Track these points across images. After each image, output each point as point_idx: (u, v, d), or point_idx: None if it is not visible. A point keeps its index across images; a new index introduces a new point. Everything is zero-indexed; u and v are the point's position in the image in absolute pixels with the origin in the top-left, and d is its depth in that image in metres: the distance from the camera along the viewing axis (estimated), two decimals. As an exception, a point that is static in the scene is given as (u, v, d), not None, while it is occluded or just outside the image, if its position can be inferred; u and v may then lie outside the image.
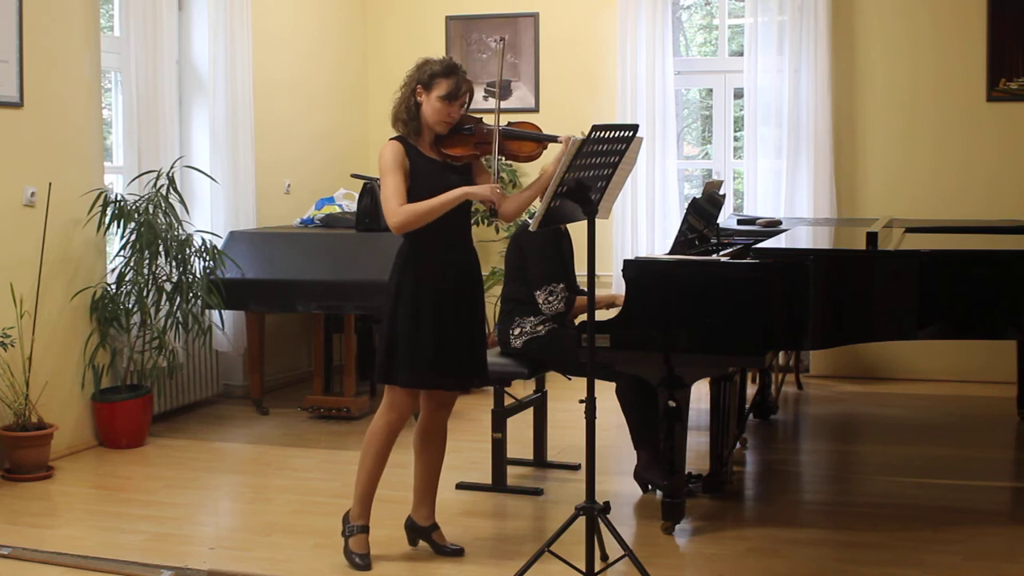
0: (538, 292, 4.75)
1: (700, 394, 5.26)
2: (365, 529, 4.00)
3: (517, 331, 4.84)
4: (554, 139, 4.01)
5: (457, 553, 4.09)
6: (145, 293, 5.63)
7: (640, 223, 7.45)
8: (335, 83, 7.66)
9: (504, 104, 7.78)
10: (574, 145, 3.41)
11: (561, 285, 4.74)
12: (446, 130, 3.90)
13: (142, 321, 5.65)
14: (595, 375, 3.66)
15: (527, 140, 3.99)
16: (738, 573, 3.93)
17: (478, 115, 4.03)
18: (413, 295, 3.87)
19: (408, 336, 3.86)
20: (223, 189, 6.47)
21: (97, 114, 5.69)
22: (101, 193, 5.55)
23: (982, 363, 7.00)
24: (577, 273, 5.04)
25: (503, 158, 3.99)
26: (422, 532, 4.14)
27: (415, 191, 3.84)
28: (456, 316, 3.91)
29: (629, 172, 4.03)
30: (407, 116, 3.87)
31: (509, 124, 4.02)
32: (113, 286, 5.64)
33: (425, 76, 3.85)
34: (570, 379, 4.91)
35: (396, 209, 3.77)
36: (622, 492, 4.78)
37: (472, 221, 7.44)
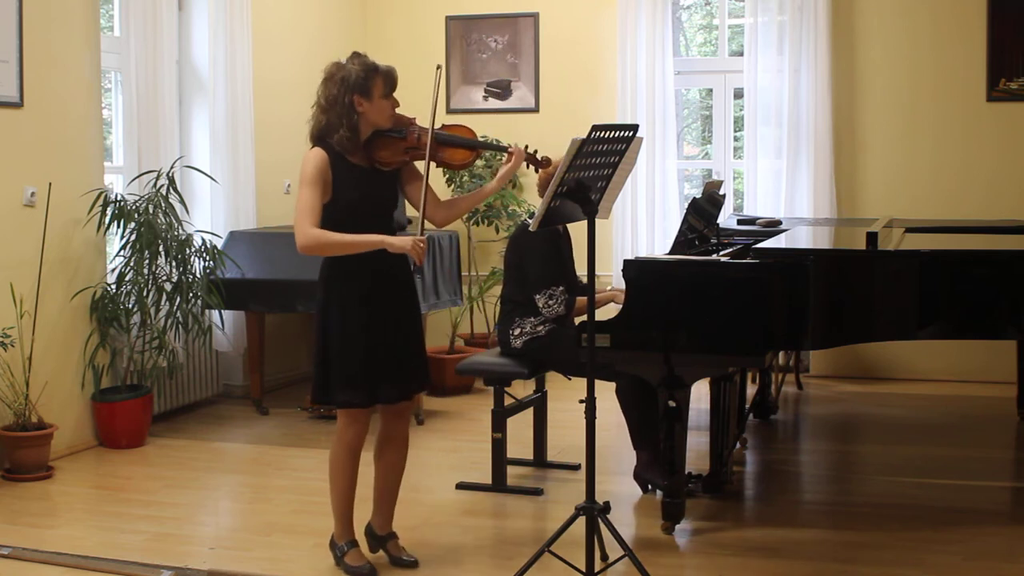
0: (538, 296, 4.74)
1: (700, 394, 5.26)
2: (354, 544, 3.93)
3: (517, 331, 4.84)
4: (503, 149, 3.92)
5: (411, 565, 3.96)
6: (145, 293, 5.63)
7: (640, 223, 7.45)
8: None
9: (504, 104, 7.81)
10: (574, 145, 3.41)
11: (561, 288, 4.73)
12: (392, 123, 3.79)
13: (142, 321, 5.65)
14: (595, 375, 3.66)
15: (460, 147, 3.86)
16: (738, 573, 3.93)
17: (411, 116, 3.90)
18: (339, 309, 3.76)
19: (339, 353, 3.76)
20: (223, 189, 6.47)
21: (97, 114, 5.69)
22: (101, 193, 5.55)
23: (982, 363, 7.00)
24: (578, 273, 5.04)
25: (435, 164, 3.85)
26: (379, 540, 4.04)
27: (338, 199, 3.71)
28: (386, 325, 3.79)
29: (629, 172, 4.03)
30: (350, 133, 3.70)
31: (443, 127, 3.90)
32: (113, 286, 5.64)
33: (360, 83, 3.69)
34: (570, 379, 4.91)
35: (307, 230, 3.63)
36: (622, 492, 4.78)
37: (472, 221, 7.48)
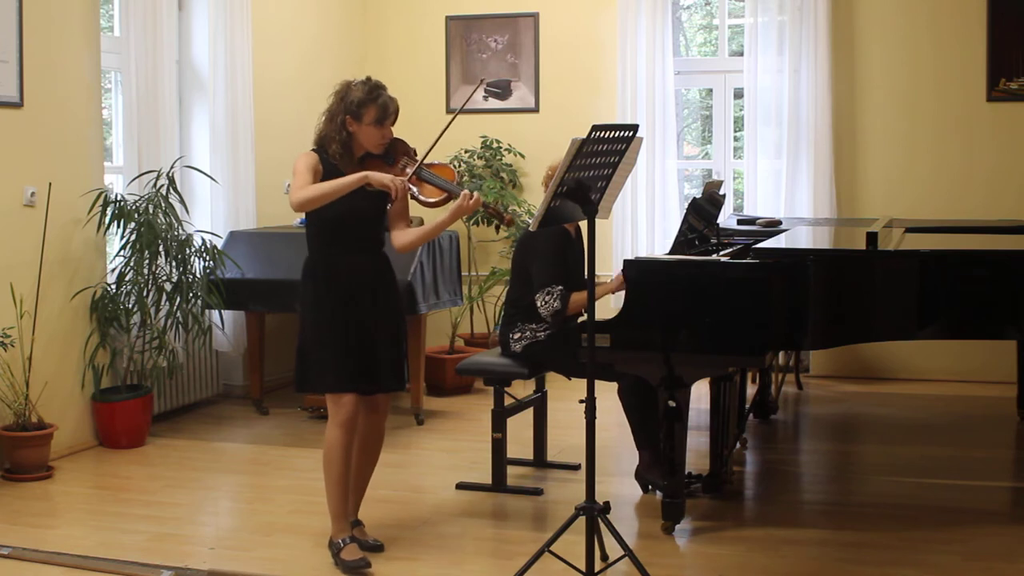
0: (537, 295, 4.72)
1: (700, 394, 5.26)
2: (351, 539, 3.97)
3: (517, 335, 4.82)
4: (457, 193, 3.96)
5: (378, 548, 4.07)
6: (145, 293, 5.63)
7: (640, 223, 7.44)
8: (335, 83, 7.64)
9: (504, 104, 7.81)
10: (574, 145, 3.41)
11: (560, 287, 4.70)
12: (383, 150, 3.99)
13: (142, 321, 5.65)
14: (596, 375, 3.66)
15: (436, 187, 3.98)
16: (738, 573, 3.93)
17: (413, 146, 4.08)
18: (317, 305, 3.94)
19: (317, 345, 3.92)
20: (223, 189, 6.47)
21: (97, 114, 5.69)
22: (101, 193, 5.55)
23: (982, 363, 7.00)
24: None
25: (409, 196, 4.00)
26: None
27: (325, 211, 3.87)
28: (365, 327, 3.94)
29: (629, 172, 4.03)
30: (342, 149, 3.93)
31: (430, 166, 4.03)
32: (113, 286, 5.64)
33: (353, 107, 3.92)
34: (571, 379, 4.90)
35: (297, 192, 3.81)
36: (622, 492, 4.78)
37: (472, 221, 7.48)
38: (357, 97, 3.93)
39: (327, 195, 3.81)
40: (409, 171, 3.98)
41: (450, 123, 4.09)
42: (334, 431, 3.94)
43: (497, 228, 3.98)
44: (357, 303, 3.94)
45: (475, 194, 3.97)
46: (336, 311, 3.92)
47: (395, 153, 4.03)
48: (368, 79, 4.00)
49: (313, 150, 3.98)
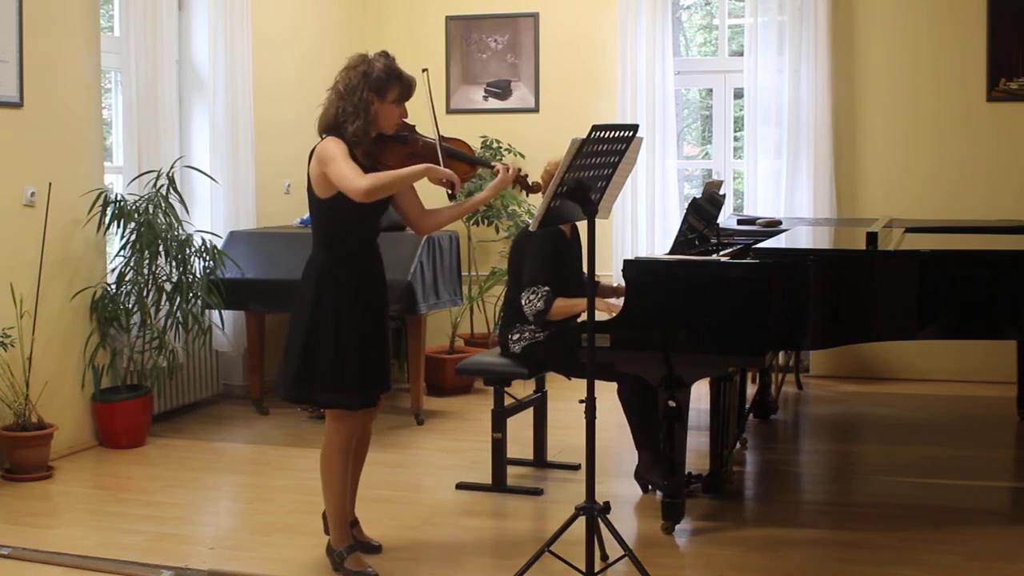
0: (523, 294, 4.70)
1: (700, 394, 5.26)
2: (353, 548, 3.93)
3: (516, 336, 4.82)
4: (488, 165, 3.95)
5: (375, 550, 4.06)
6: (145, 293, 5.63)
7: (640, 223, 7.45)
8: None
9: (504, 104, 7.80)
10: (574, 145, 3.41)
11: (546, 289, 4.68)
12: (395, 131, 3.85)
13: (142, 321, 5.65)
14: (596, 375, 3.66)
15: (461, 161, 3.90)
16: (738, 573, 3.93)
17: (411, 123, 3.94)
18: (328, 312, 3.79)
19: (330, 355, 3.79)
20: (223, 189, 6.47)
21: (97, 114, 5.69)
22: (101, 193, 5.55)
23: (982, 363, 7.00)
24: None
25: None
26: None
27: (340, 195, 3.68)
28: (374, 326, 3.87)
29: (629, 172, 4.03)
30: (365, 125, 3.73)
31: (443, 139, 3.92)
32: (113, 286, 5.64)
33: (379, 83, 3.74)
34: (570, 379, 4.90)
35: (359, 178, 3.57)
36: (622, 492, 4.78)
37: (472, 221, 7.48)
38: (381, 73, 3.74)
39: (392, 186, 3.64)
40: (430, 146, 3.83)
41: (428, 84, 3.96)
42: (334, 450, 3.85)
43: (524, 191, 3.93)
44: (364, 309, 3.84)
45: (510, 165, 3.89)
46: (351, 317, 3.79)
47: (405, 130, 3.89)
48: (384, 53, 3.82)
49: (331, 135, 3.76)
